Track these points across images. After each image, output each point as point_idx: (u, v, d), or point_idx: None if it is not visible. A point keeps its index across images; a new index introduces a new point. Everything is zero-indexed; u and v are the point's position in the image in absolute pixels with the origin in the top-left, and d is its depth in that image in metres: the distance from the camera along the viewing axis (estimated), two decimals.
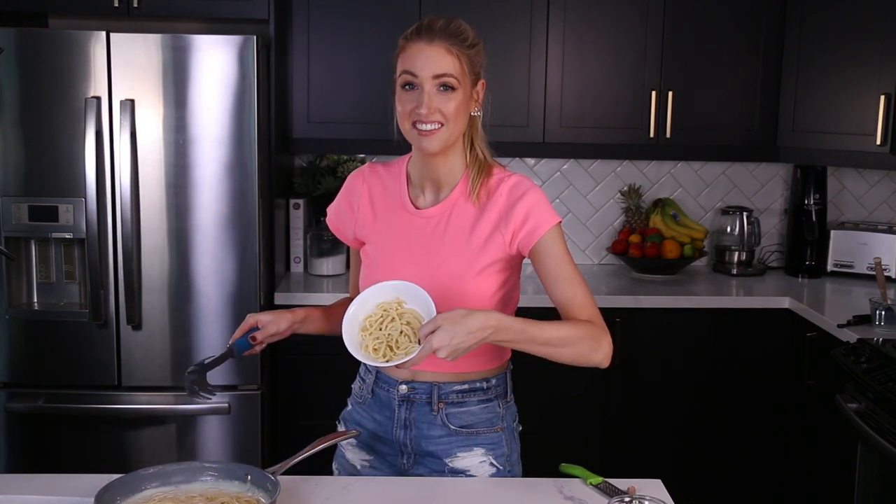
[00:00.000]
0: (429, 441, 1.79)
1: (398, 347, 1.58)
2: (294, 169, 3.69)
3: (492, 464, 1.79)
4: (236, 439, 3.07)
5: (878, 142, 3.16)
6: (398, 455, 1.82)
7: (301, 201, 3.52)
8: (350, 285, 1.97)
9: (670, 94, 3.42)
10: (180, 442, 3.06)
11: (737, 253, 3.70)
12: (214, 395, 1.74)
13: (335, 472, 1.91)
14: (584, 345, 1.66)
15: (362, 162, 3.65)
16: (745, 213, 3.70)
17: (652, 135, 3.44)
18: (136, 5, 3.10)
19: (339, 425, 1.92)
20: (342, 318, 1.64)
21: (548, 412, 3.27)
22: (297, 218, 3.53)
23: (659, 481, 1.73)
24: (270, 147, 3.15)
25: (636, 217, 3.74)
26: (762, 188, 3.86)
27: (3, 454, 3.06)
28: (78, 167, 2.91)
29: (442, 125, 1.69)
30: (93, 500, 1.44)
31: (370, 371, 1.85)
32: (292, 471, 1.61)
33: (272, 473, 1.54)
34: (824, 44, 3.34)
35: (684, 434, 3.36)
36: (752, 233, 3.71)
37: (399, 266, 1.76)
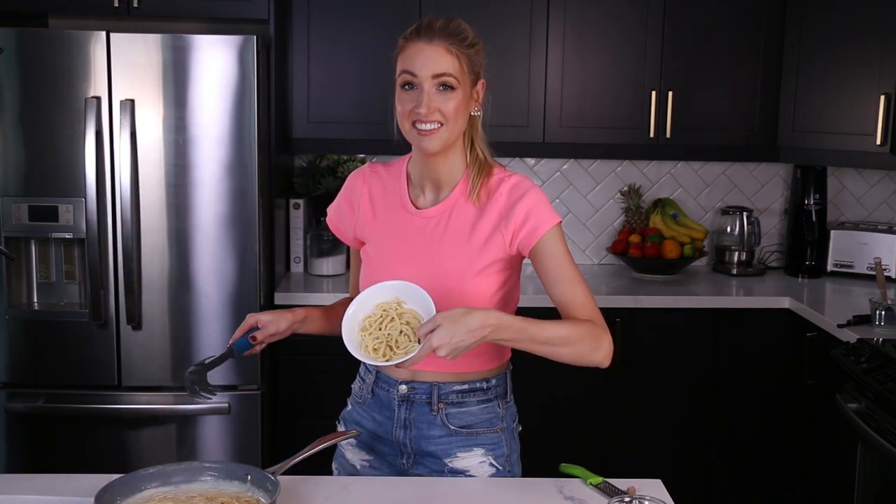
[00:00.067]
0: (428, 441, 1.79)
1: (398, 347, 1.58)
2: (294, 169, 3.69)
3: (491, 464, 1.79)
4: (236, 439, 3.07)
5: (878, 142, 3.16)
6: (398, 455, 1.82)
7: (301, 201, 3.52)
8: (350, 285, 1.97)
9: (670, 94, 3.42)
10: (180, 442, 3.06)
11: (737, 253, 3.70)
12: (215, 394, 1.74)
13: (335, 472, 1.91)
14: (584, 344, 1.66)
15: (362, 162, 3.65)
16: (745, 213, 3.70)
17: (652, 135, 3.44)
18: (136, 5, 3.10)
19: (338, 425, 1.92)
20: (342, 318, 1.64)
21: (548, 412, 3.27)
22: (297, 218, 3.53)
23: (659, 481, 1.73)
24: (270, 147, 3.15)
25: (636, 217, 3.74)
26: (762, 188, 3.86)
27: (3, 454, 3.06)
28: (78, 167, 2.91)
29: (441, 125, 1.69)
30: (93, 500, 1.44)
31: (370, 371, 1.85)
32: (292, 471, 1.61)
33: (272, 473, 1.54)
34: (824, 44, 3.34)
35: (684, 434, 3.36)
36: (752, 233, 3.71)
37: (399, 266, 1.76)
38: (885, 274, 3.31)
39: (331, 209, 1.93)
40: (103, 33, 2.89)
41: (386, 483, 1.76)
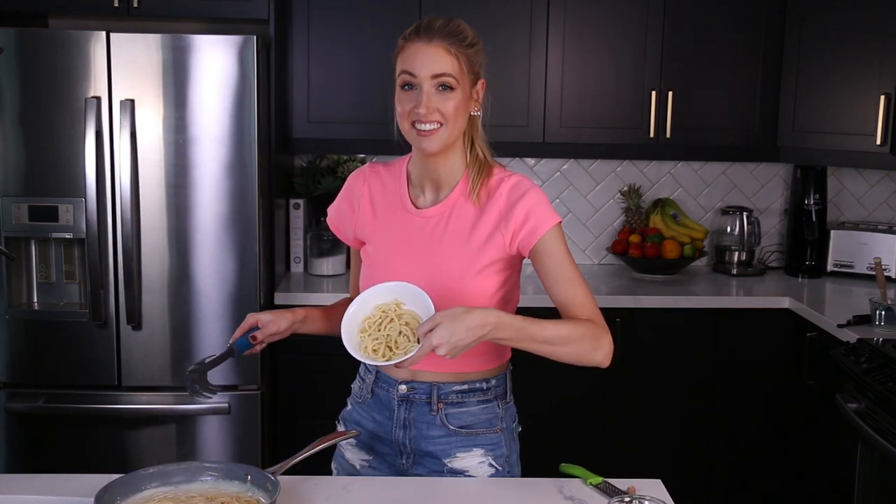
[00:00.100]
0: (428, 441, 1.79)
1: (397, 347, 1.58)
2: (294, 169, 3.69)
3: (491, 464, 1.79)
4: (236, 439, 3.07)
5: (878, 142, 3.16)
6: (397, 455, 1.82)
7: (301, 201, 3.52)
8: (350, 285, 1.97)
9: (670, 94, 3.42)
10: (180, 442, 3.06)
11: (737, 253, 3.70)
12: (216, 393, 1.74)
13: (334, 471, 1.91)
14: (584, 344, 1.66)
15: (362, 162, 3.65)
16: (745, 213, 3.70)
17: (652, 135, 3.44)
18: (136, 5, 3.10)
19: (338, 425, 1.92)
20: (342, 319, 1.64)
21: (548, 412, 3.27)
22: (297, 218, 3.53)
23: (659, 481, 1.73)
24: (270, 147, 3.15)
25: (636, 217, 3.74)
26: (762, 188, 3.86)
27: (3, 454, 3.06)
28: (78, 167, 2.91)
29: (441, 125, 1.69)
30: (93, 500, 1.44)
31: (370, 371, 1.85)
32: (292, 471, 1.61)
33: (272, 473, 1.54)
34: (824, 44, 3.34)
35: (684, 434, 3.36)
36: (752, 233, 3.71)
37: (399, 266, 1.76)
38: (885, 274, 3.31)
39: (331, 209, 1.93)
40: (103, 33, 2.89)
41: (386, 483, 1.76)
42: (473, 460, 1.79)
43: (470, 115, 1.75)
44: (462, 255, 1.74)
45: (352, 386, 1.93)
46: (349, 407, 1.92)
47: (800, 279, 3.65)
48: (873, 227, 3.62)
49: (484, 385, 1.80)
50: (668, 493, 1.68)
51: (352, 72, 3.37)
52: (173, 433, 3.06)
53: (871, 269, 3.49)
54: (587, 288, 1.73)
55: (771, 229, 3.87)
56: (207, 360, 1.71)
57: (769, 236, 3.87)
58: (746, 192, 3.85)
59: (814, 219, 3.64)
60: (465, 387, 1.78)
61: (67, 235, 2.96)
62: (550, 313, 1.72)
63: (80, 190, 2.92)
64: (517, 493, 1.70)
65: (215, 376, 1.76)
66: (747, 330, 3.31)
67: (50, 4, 3.21)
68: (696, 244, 3.62)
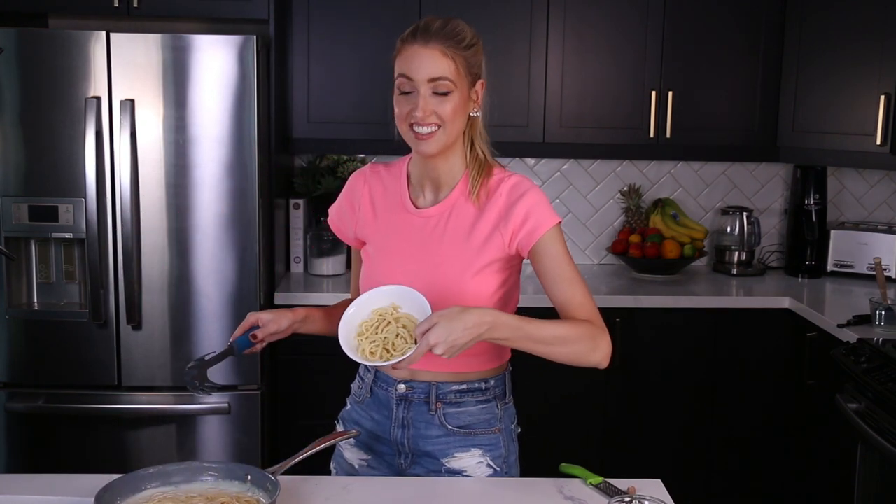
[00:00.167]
0: (426, 441, 1.79)
1: (395, 350, 1.58)
2: (294, 169, 3.69)
3: (489, 465, 1.79)
4: (236, 439, 3.07)
5: (878, 142, 3.16)
6: (396, 455, 1.82)
7: (301, 201, 3.52)
8: (351, 285, 1.97)
9: (670, 94, 3.42)
10: (180, 442, 3.06)
11: (737, 253, 3.70)
12: (217, 387, 1.74)
13: (333, 471, 1.91)
14: (581, 344, 1.66)
15: (363, 162, 3.65)
16: (745, 213, 3.70)
17: (652, 135, 3.44)
18: (136, 5, 3.10)
19: (337, 425, 1.92)
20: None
21: (548, 412, 3.27)
22: (297, 218, 3.53)
23: (659, 481, 1.73)
24: (270, 147, 3.15)
25: (636, 217, 3.74)
26: (762, 188, 3.86)
27: (3, 454, 3.06)
28: (78, 167, 2.91)
29: (439, 127, 1.69)
30: (93, 500, 1.44)
31: (369, 370, 1.85)
32: (292, 471, 1.61)
33: (272, 473, 1.54)
34: (824, 44, 3.34)
35: (684, 434, 3.36)
36: (752, 233, 3.71)
37: (399, 265, 1.77)
38: (885, 274, 3.31)
39: (332, 209, 1.93)
40: (103, 33, 2.89)
41: (386, 483, 1.76)
42: (471, 460, 1.79)
43: (469, 115, 1.75)
44: (461, 255, 1.74)
45: (351, 386, 1.93)
46: (348, 406, 1.92)
47: (800, 279, 3.65)
48: (873, 227, 3.62)
49: (483, 385, 1.80)
50: (668, 493, 1.68)
51: (352, 72, 3.37)
52: (173, 433, 3.06)
53: (871, 269, 3.49)
54: (586, 289, 1.73)
55: (771, 229, 3.87)
56: (207, 358, 1.71)
57: (769, 236, 3.87)
58: (746, 192, 3.85)
59: (814, 219, 3.64)
60: (464, 387, 1.78)
61: (67, 235, 2.96)
62: (550, 313, 1.72)
63: (80, 190, 2.92)
64: (517, 492, 1.70)
65: (215, 375, 1.76)
66: (747, 330, 3.31)
67: (50, 4, 3.21)
68: (696, 244, 3.62)
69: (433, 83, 1.67)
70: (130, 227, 2.93)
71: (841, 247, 3.63)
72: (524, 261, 1.79)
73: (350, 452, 1.87)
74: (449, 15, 1.77)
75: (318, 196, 3.53)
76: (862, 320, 2.92)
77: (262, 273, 3.06)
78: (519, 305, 1.85)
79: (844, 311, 3.03)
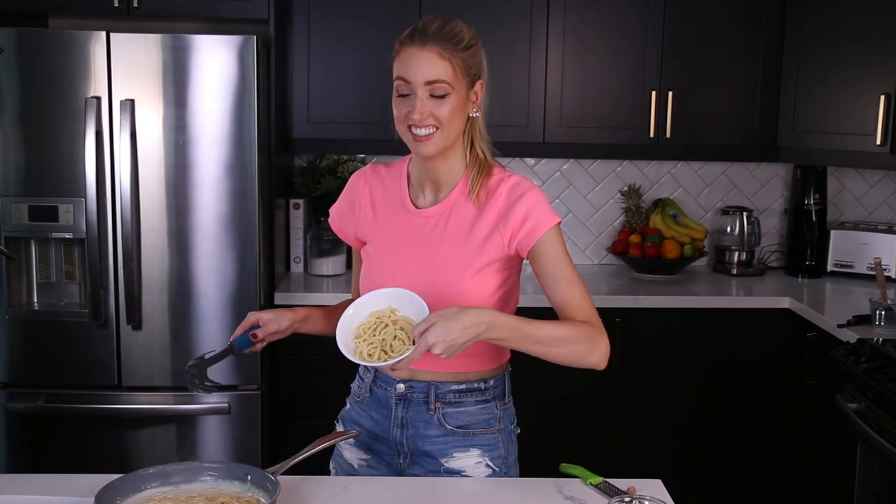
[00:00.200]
0: (425, 440, 1.79)
1: (392, 351, 1.58)
2: (294, 169, 3.69)
3: (488, 465, 1.79)
4: (236, 439, 3.07)
5: (878, 142, 3.16)
6: (395, 455, 1.82)
7: (301, 201, 3.52)
8: (352, 285, 1.97)
9: (670, 94, 3.42)
10: (180, 442, 3.06)
11: (737, 253, 3.70)
12: (217, 387, 1.74)
13: (332, 471, 1.91)
14: (580, 345, 1.66)
15: (363, 162, 3.65)
16: (745, 213, 3.70)
17: (652, 135, 3.44)
18: (136, 5, 3.10)
19: (337, 424, 1.92)
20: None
21: (547, 412, 3.27)
22: (297, 218, 3.53)
23: (659, 481, 1.73)
24: (270, 147, 3.15)
25: (636, 217, 3.74)
26: (762, 188, 3.86)
27: (3, 454, 3.07)
28: (78, 167, 2.91)
29: (437, 129, 1.69)
30: (93, 500, 1.44)
31: (369, 370, 1.85)
32: (292, 471, 1.61)
33: (272, 473, 1.54)
34: (824, 44, 3.34)
35: (684, 434, 3.36)
36: (752, 233, 3.71)
37: (398, 265, 1.77)
38: (885, 274, 3.31)
39: (333, 209, 1.94)
40: (103, 33, 2.89)
41: (386, 483, 1.76)
42: (470, 460, 1.79)
43: (468, 116, 1.75)
44: (461, 255, 1.74)
45: (351, 385, 1.93)
46: (348, 406, 1.92)
47: (800, 279, 3.65)
48: (873, 227, 3.62)
49: (482, 385, 1.80)
50: (668, 493, 1.68)
51: (352, 72, 3.37)
52: (173, 433, 3.06)
53: (871, 269, 3.49)
54: (585, 290, 1.73)
55: (771, 229, 3.87)
56: (207, 356, 1.71)
57: (769, 236, 3.87)
58: (746, 192, 3.85)
59: (814, 219, 3.64)
60: (463, 386, 1.78)
61: (67, 235, 2.96)
62: (550, 314, 1.72)
63: (80, 190, 2.92)
64: (517, 492, 1.70)
65: (215, 375, 1.76)
66: (747, 330, 3.31)
67: (50, 4, 3.21)
68: (696, 244, 3.62)
69: (430, 86, 1.67)
70: (130, 227, 2.93)
71: (841, 247, 3.63)
72: (524, 261, 1.79)
73: (349, 452, 1.87)
74: (449, 15, 1.77)
75: (318, 196, 3.53)
76: (862, 320, 2.92)
77: (262, 273, 3.07)
78: (519, 305, 1.85)
79: (844, 311, 3.03)
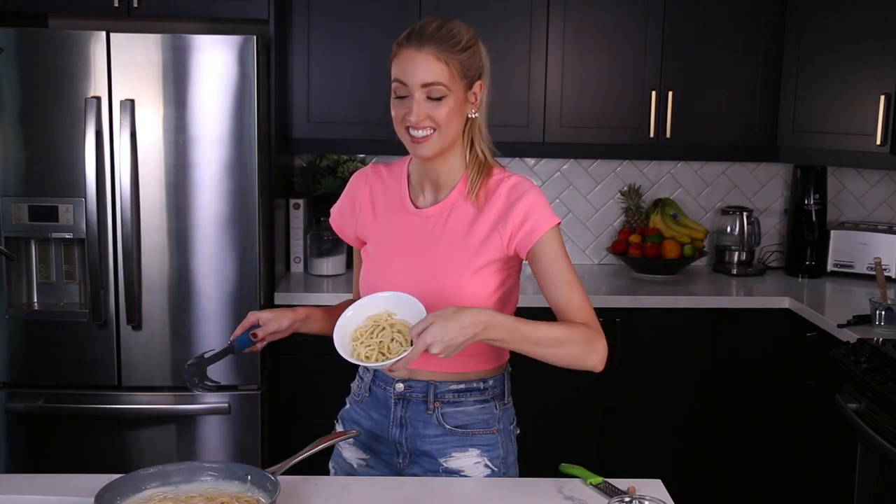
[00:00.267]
0: (424, 440, 1.79)
1: (390, 353, 1.58)
2: (294, 169, 3.69)
3: (486, 465, 1.79)
4: (236, 439, 3.07)
5: (878, 142, 3.16)
6: (394, 454, 1.82)
7: (301, 201, 3.52)
8: (353, 285, 1.97)
9: (670, 94, 3.42)
10: (180, 442, 3.06)
11: (737, 253, 3.70)
12: (216, 386, 1.74)
13: (332, 471, 1.91)
14: (577, 347, 1.66)
15: (363, 162, 3.65)
16: (745, 213, 3.70)
17: (652, 135, 3.44)
18: (136, 5, 3.10)
19: (337, 424, 1.92)
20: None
21: (547, 412, 3.27)
22: (297, 218, 3.53)
23: (659, 481, 1.73)
24: (270, 147, 3.15)
25: (636, 217, 3.74)
26: (762, 188, 3.86)
27: (3, 454, 3.07)
28: (78, 167, 2.91)
29: (434, 130, 1.69)
30: (93, 500, 1.44)
31: (368, 370, 1.85)
32: (292, 471, 1.61)
33: (272, 473, 1.54)
34: (824, 44, 3.34)
35: (684, 434, 3.36)
36: (752, 233, 3.71)
37: (398, 265, 1.77)
38: (885, 274, 3.31)
39: (334, 209, 1.94)
40: (103, 33, 2.89)
41: (386, 483, 1.76)
42: (469, 460, 1.78)
43: (467, 117, 1.74)
44: (459, 255, 1.74)
45: (351, 385, 1.93)
46: (348, 406, 1.92)
47: (800, 279, 3.65)
48: (873, 227, 3.62)
49: (481, 385, 1.80)
50: (668, 493, 1.68)
51: (352, 72, 3.37)
52: (173, 433, 3.06)
53: (871, 269, 3.49)
54: (584, 292, 1.73)
55: (771, 229, 3.87)
56: (207, 355, 1.72)
57: (769, 236, 3.87)
58: (746, 192, 3.85)
59: (814, 219, 3.64)
60: (462, 386, 1.78)
61: (67, 235, 2.96)
62: (550, 314, 1.72)
63: (80, 190, 2.92)
64: (517, 492, 1.70)
65: (215, 375, 1.76)
66: (747, 330, 3.31)
67: (50, 4, 3.21)
68: (696, 244, 3.62)
69: (426, 88, 1.66)
70: (130, 227, 2.93)
71: (841, 247, 3.63)
72: (524, 262, 1.79)
73: (349, 452, 1.87)
74: (449, 15, 1.76)
75: (318, 196, 3.53)
76: (862, 320, 2.92)
77: (262, 273, 3.07)
78: (519, 305, 1.85)
79: (844, 311, 3.03)
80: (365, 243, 1.87)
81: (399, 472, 1.82)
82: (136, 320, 2.99)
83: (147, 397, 3.04)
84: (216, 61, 2.92)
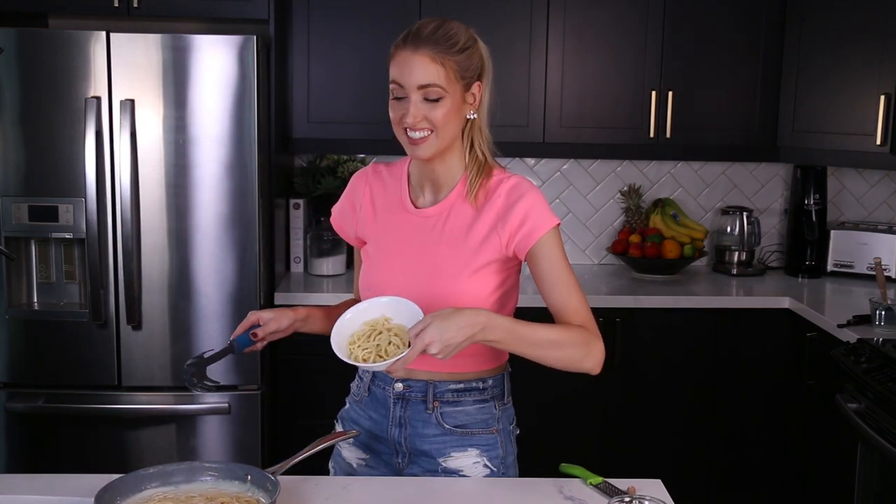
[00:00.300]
0: (423, 440, 1.79)
1: (387, 355, 1.58)
2: (294, 169, 3.69)
3: (486, 465, 1.79)
4: (236, 439, 3.07)
5: (878, 142, 3.16)
6: (394, 454, 1.82)
7: (301, 201, 3.52)
8: (354, 285, 1.97)
9: (670, 94, 3.42)
10: (180, 442, 3.06)
11: (737, 253, 3.70)
12: (216, 386, 1.74)
13: (331, 470, 1.91)
14: (575, 349, 1.66)
15: (363, 162, 3.65)
16: (745, 213, 3.70)
17: (652, 135, 3.44)
18: (136, 5, 3.10)
19: (336, 424, 1.92)
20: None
21: (547, 412, 3.27)
22: (297, 218, 3.53)
23: (659, 481, 1.73)
24: (270, 147, 3.15)
25: (636, 217, 3.74)
26: (762, 188, 3.86)
27: (3, 454, 3.07)
28: (78, 167, 2.91)
29: (431, 132, 1.69)
30: (93, 500, 1.44)
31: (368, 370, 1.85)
32: (292, 471, 1.61)
33: (272, 473, 1.54)
34: (824, 44, 3.34)
35: (684, 434, 3.36)
36: (752, 233, 3.71)
37: (397, 265, 1.77)
38: (885, 274, 3.31)
39: (334, 209, 1.94)
40: (103, 33, 2.90)
41: (386, 483, 1.76)
42: (468, 460, 1.78)
43: (466, 118, 1.74)
44: (458, 256, 1.73)
45: (351, 385, 1.93)
46: (347, 406, 1.92)
47: (800, 279, 3.65)
48: (873, 227, 3.62)
49: (480, 385, 1.80)
50: (668, 493, 1.68)
51: (352, 72, 3.37)
52: (173, 433, 3.06)
53: (871, 269, 3.49)
54: (582, 294, 1.73)
55: (771, 229, 3.87)
56: (207, 355, 1.72)
57: (769, 236, 3.87)
58: (746, 192, 3.85)
59: (814, 219, 3.64)
60: (461, 386, 1.78)
61: (67, 235, 2.96)
62: (549, 315, 1.72)
63: (80, 190, 2.92)
64: (517, 492, 1.70)
65: (215, 375, 1.76)
66: (747, 330, 3.31)
67: (50, 4, 3.21)
68: (696, 244, 3.62)
69: (423, 90, 1.66)
70: (130, 227, 2.93)
71: (841, 247, 3.63)
72: (523, 263, 1.79)
73: (348, 452, 1.87)
74: (449, 15, 1.76)
75: (318, 196, 3.53)
76: (862, 320, 2.92)
77: (262, 273, 3.07)
78: (519, 306, 1.85)
79: (844, 311, 3.03)
80: (365, 243, 1.87)
81: (398, 472, 1.82)
82: (136, 320, 2.99)
83: (147, 397, 3.04)
84: (216, 61, 2.92)
